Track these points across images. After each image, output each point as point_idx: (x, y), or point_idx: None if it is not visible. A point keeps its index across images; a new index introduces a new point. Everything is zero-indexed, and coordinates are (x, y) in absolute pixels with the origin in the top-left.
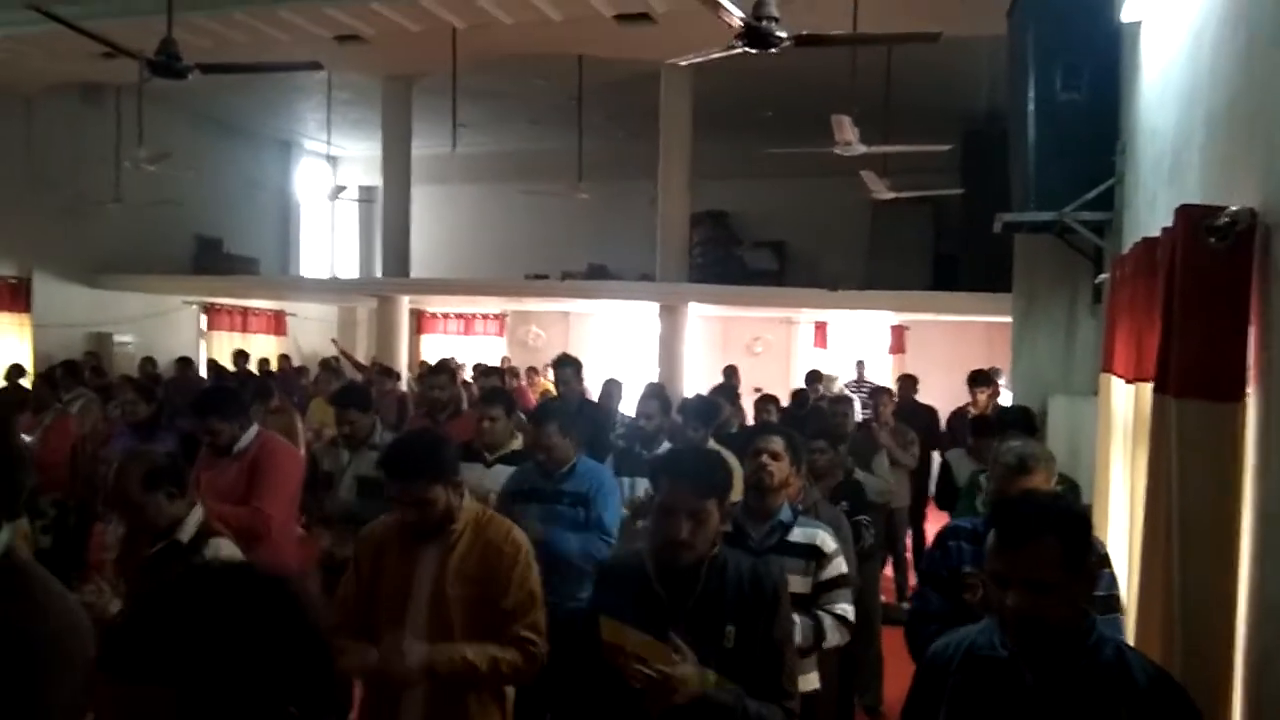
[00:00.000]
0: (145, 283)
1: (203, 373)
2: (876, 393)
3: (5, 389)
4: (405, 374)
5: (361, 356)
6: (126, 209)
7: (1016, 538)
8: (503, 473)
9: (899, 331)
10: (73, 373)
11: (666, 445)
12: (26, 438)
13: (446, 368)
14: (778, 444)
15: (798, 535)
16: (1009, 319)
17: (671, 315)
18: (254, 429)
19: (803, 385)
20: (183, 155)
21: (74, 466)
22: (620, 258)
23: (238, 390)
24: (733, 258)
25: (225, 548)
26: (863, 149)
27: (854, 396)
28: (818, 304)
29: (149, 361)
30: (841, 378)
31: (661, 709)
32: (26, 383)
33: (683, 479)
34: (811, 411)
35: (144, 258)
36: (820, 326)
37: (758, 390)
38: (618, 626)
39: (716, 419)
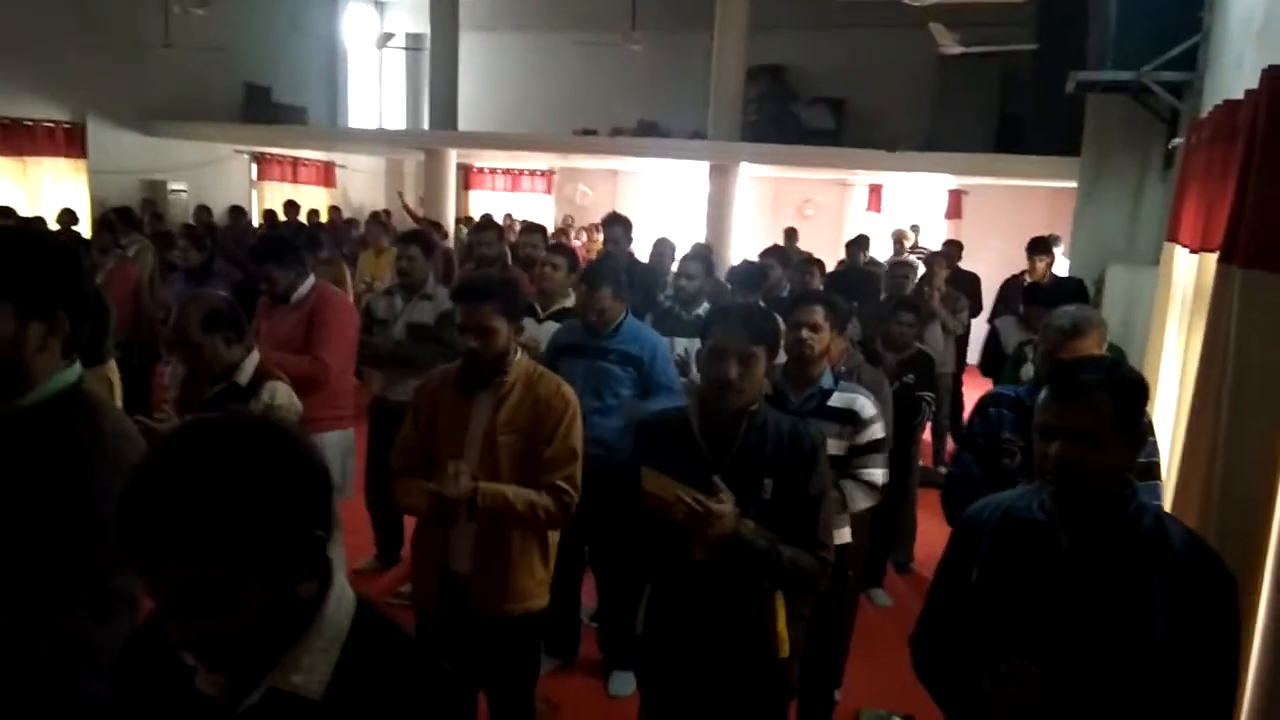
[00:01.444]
0: (196, 130)
1: (255, 222)
2: (931, 259)
3: (59, 233)
4: (452, 229)
5: (413, 206)
6: (177, 54)
7: (1070, 390)
8: (553, 329)
9: (956, 196)
10: (128, 219)
11: (706, 306)
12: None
13: (494, 224)
14: (818, 314)
15: (837, 401)
16: (1073, 184)
17: (722, 175)
18: (311, 279)
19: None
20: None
21: (136, 310)
22: (671, 114)
23: (294, 240)
24: (788, 115)
25: (281, 391)
26: None
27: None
28: (875, 165)
29: (204, 210)
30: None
31: (700, 543)
32: (79, 229)
33: (733, 323)
34: (855, 277)
35: (195, 105)
36: (875, 189)
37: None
38: (659, 477)
39: (763, 284)
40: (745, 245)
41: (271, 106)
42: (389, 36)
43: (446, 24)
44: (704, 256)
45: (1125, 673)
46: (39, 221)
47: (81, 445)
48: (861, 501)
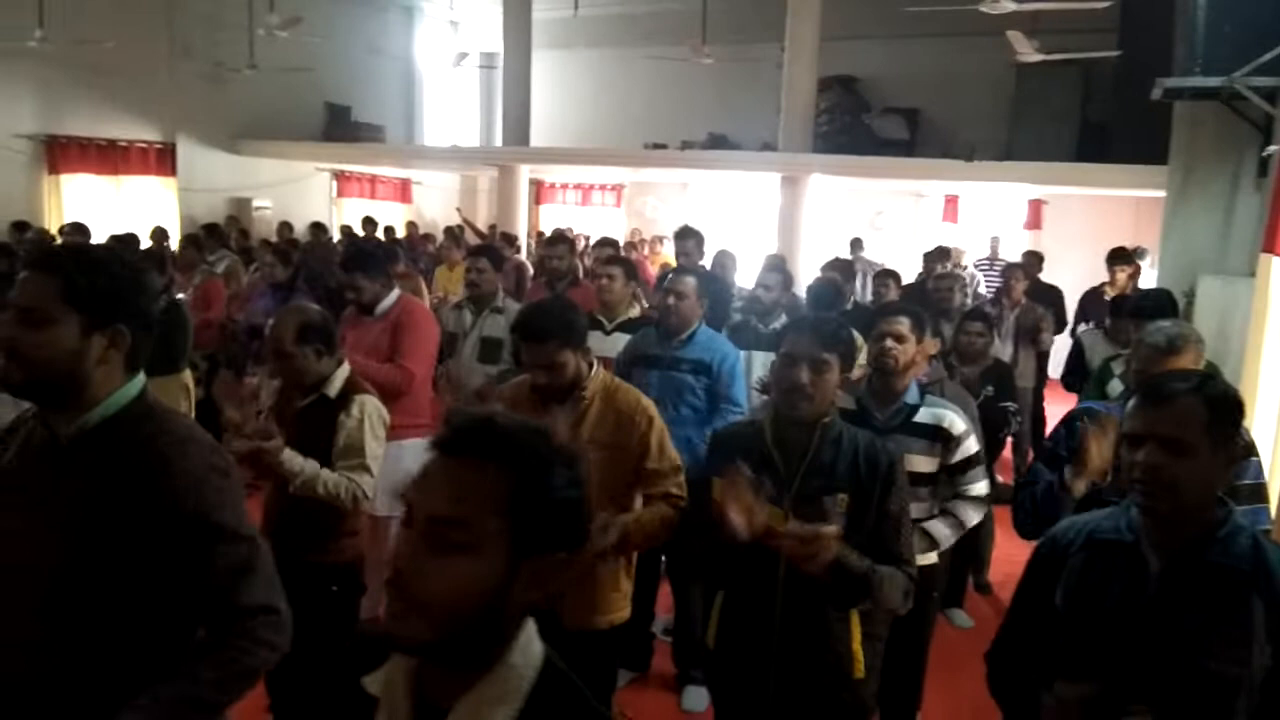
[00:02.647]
0: (280, 149)
1: (334, 238)
2: (1008, 270)
3: (150, 249)
4: (524, 243)
5: (482, 225)
6: (261, 76)
7: (1160, 394)
8: (621, 340)
9: (1036, 206)
10: (216, 235)
11: (784, 320)
12: (180, 296)
13: (565, 237)
14: (903, 325)
15: (924, 416)
16: (1160, 193)
17: (793, 187)
18: (395, 291)
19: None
20: (311, 22)
21: (222, 324)
22: (741, 126)
23: (380, 253)
24: (860, 126)
25: (369, 404)
26: (1011, 6)
27: (979, 274)
28: (952, 175)
29: (286, 226)
30: (971, 254)
31: (809, 568)
32: (170, 245)
33: (805, 330)
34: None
35: (278, 124)
36: (951, 200)
37: (879, 266)
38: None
39: (840, 305)
40: (816, 257)
41: (351, 125)
42: (464, 55)
43: (519, 42)
44: (781, 268)
45: (1221, 703)
46: (132, 238)
47: (178, 458)
48: (974, 517)
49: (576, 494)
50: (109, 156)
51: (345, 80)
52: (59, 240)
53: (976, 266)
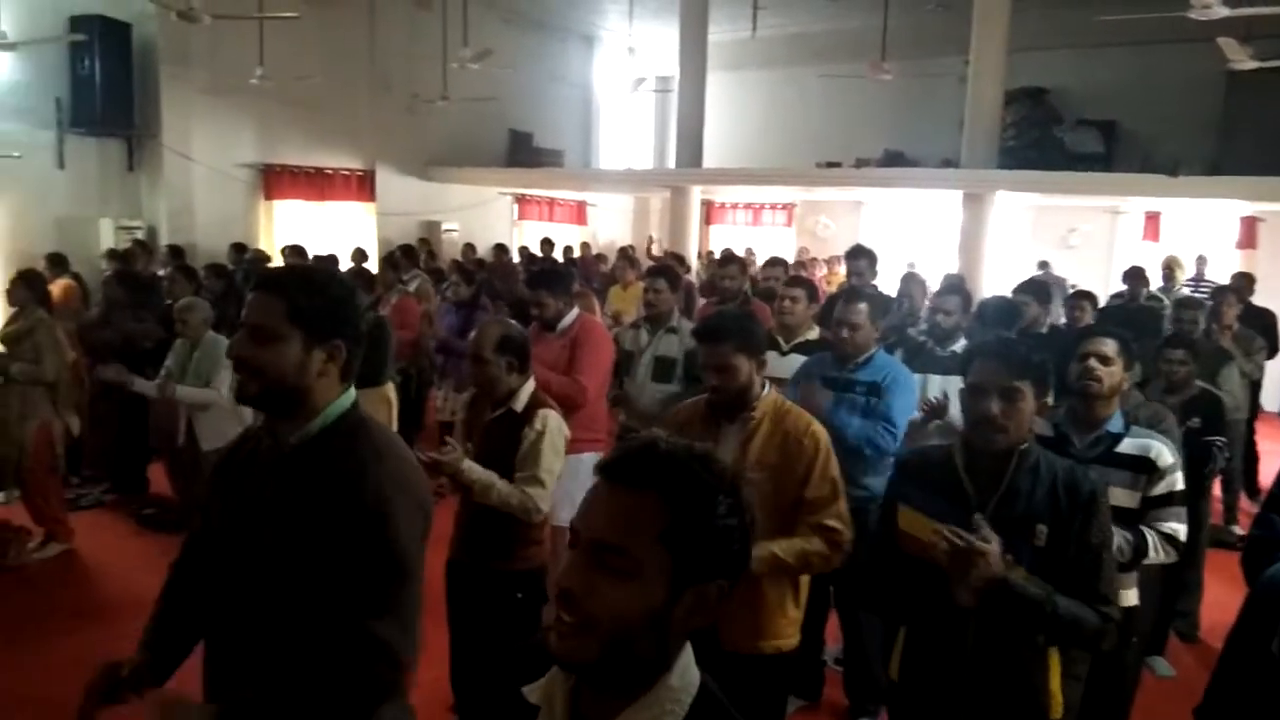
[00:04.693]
0: (466, 175)
1: (515, 258)
2: (1219, 293)
3: (359, 270)
4: (694, 264)
5: (655, 246)
6: (452, 106)
7: None
8: (796, 361)
9: (1250, 223)
10: (409, 256)
11: (963, 343)
12: (382, 313)
13: (736, 257)
14: (1109, 347)
15: (1128, 447)
16: None
17: (976, 204)
18: (576, 310)
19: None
20: (498, 53)
21: (416, 340)
22: (919, 143)
23: (565, 272)
24: (1051, 140)
25: (552, 419)
26: (1223, 11)
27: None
28: (1154, 191)
29: (470, 248)
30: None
31: (964, 585)
32: (368, 265)
33: (994, 357)
34: (1135, 312)
35: (466, 151)
36: (1152, 217)
37: (1072, 287)
38: (915, 516)
39: (1018, 322)
40: (1001, 278)
41: (533, 151)
42: (641, 81)
43: (694, 66)
44: (960, 289)
45: None
46: (332, 259)
47: (372, 469)
48: (1162, 556)
49: (737, 522)
50: (316, 183)
51: (527, 108)
52: (279, 262)
53: (1184, 286)
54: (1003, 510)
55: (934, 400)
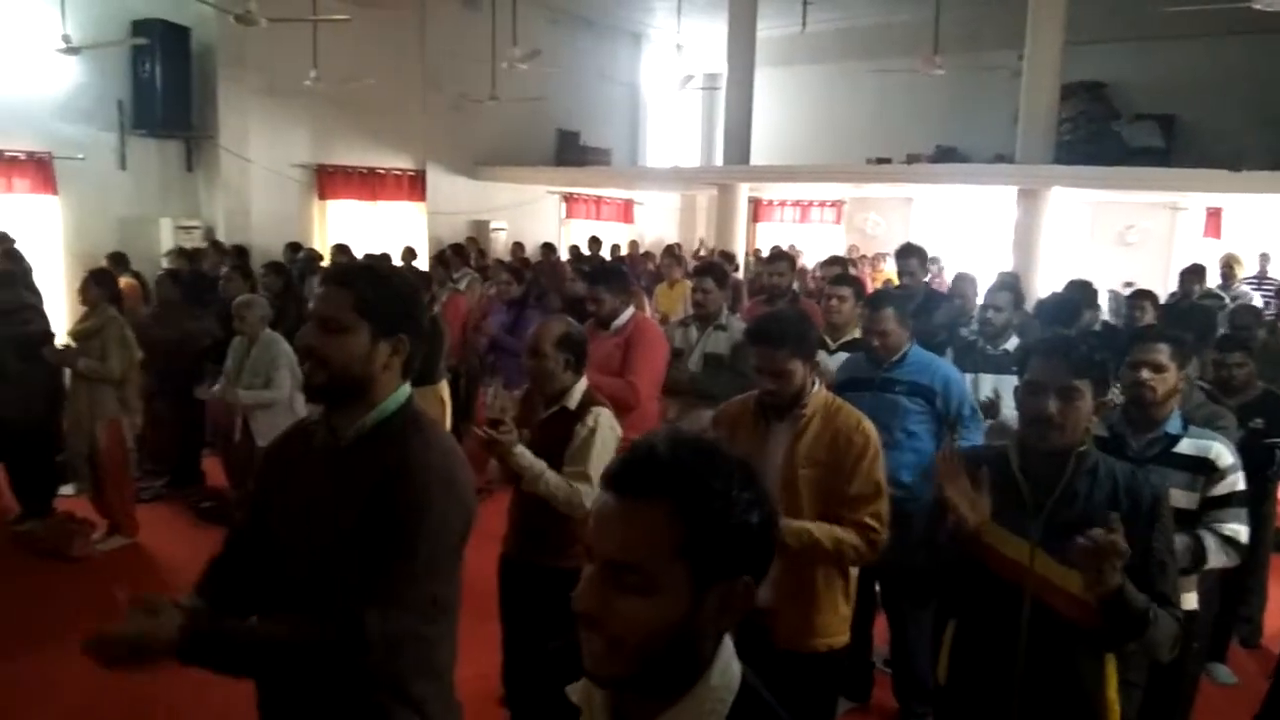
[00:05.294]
0: (514, 174)
1: (563, 257)
2: None
3: (418, 269)
4: (741, 261)
5: (704, 248)
6: (501, 106)
7: None
8: (844, 360)
9: None
10: (460, 254)
11: (1015, 341)
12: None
13: (786, 254)
14: (1162, 354)
15: (1186, 447)
16: None
17: (1031, 200)
18: (630, 310)
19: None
20: (547, 52)
21: (464, 337)
22: (971, 138)
23: (623, 270)
24: (1108, 134)
25: (605, 416)
26: None
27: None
28: (1215, 187)
29: (519, 246)
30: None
31: (1099, 591)
32: (417, 264)
33: (1052, 355)
34: (1186, 311)
35: (514, 151)
36: (1214, 213)
37: (1128, 285)
38: (1000, 532)
39: (1077, 320)
40: (1056, 275)
41: (580, 150)
42: (689, 78)
43: (743, 62)
44: (1012, 286)
45: None
46: (385, 258)
47: (419, 462)
48: (1221, 559)
49: (758, 516)
50: (369, 183)
51: (575, 107)
52: (328, 260)
53: (1244, 285)
54: (1059, 513)
55: (985, 399)
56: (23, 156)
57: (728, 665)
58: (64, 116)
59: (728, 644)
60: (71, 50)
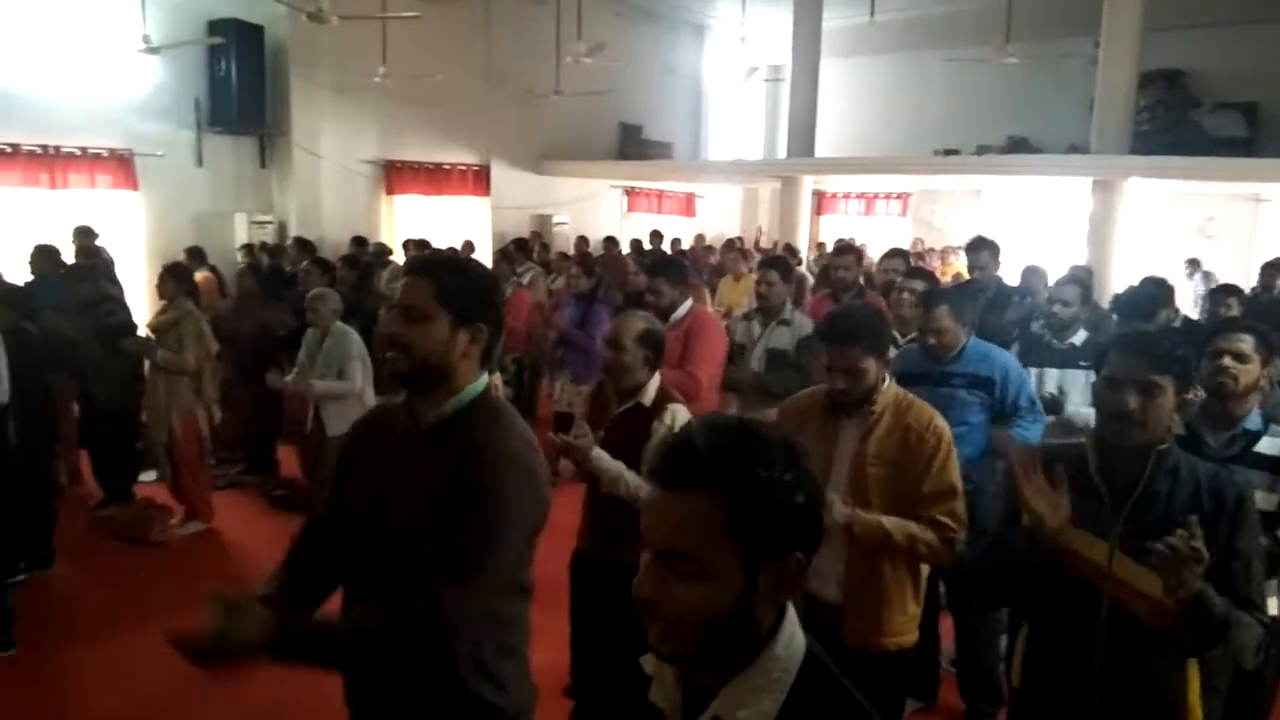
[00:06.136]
0: (577, 168)
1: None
2: None
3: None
4: (805, 255)
5: (764, 238)
6: (565, 101)
7: None
8: None
9: None
10: (523, 249)
11: (1083, 335)
12: None
13: (852, 247)
14: (1245, 343)
15: (1267, 446)
16: None
17: (1106, 192)
18: (689, 302)
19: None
20: (608, 46)
21: (529, 331)
22: (1045, 128)
23: (682, 262)
24: (1187, 124)
25: (681, 413)
26: None
27: None
28: None
29: (583, 240)
30: None
31: (1177, 593)
32: (477, 258)
33: (1134, 349)
34: (1273, 305)
35: (577, 145)
36: None
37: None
38: (1081, 534)
39: (1156, 314)
40: (1132, 269)
41: (642, 143)
42: (754, 70)
43: (808, 53)
44: (1081, 280)
45: None
46: (452, 252)
47: (499, 449)
48: None
49: (803, 496)
50: (434, 178)
51: (638, 100)
52: (400, 255)
53: None
54: (1139, 514)
55: (1049, 395)
56: (106, 154)
57: (791, 636)
58: (144, 115)
59: (791, 616)
60: (152, 50)
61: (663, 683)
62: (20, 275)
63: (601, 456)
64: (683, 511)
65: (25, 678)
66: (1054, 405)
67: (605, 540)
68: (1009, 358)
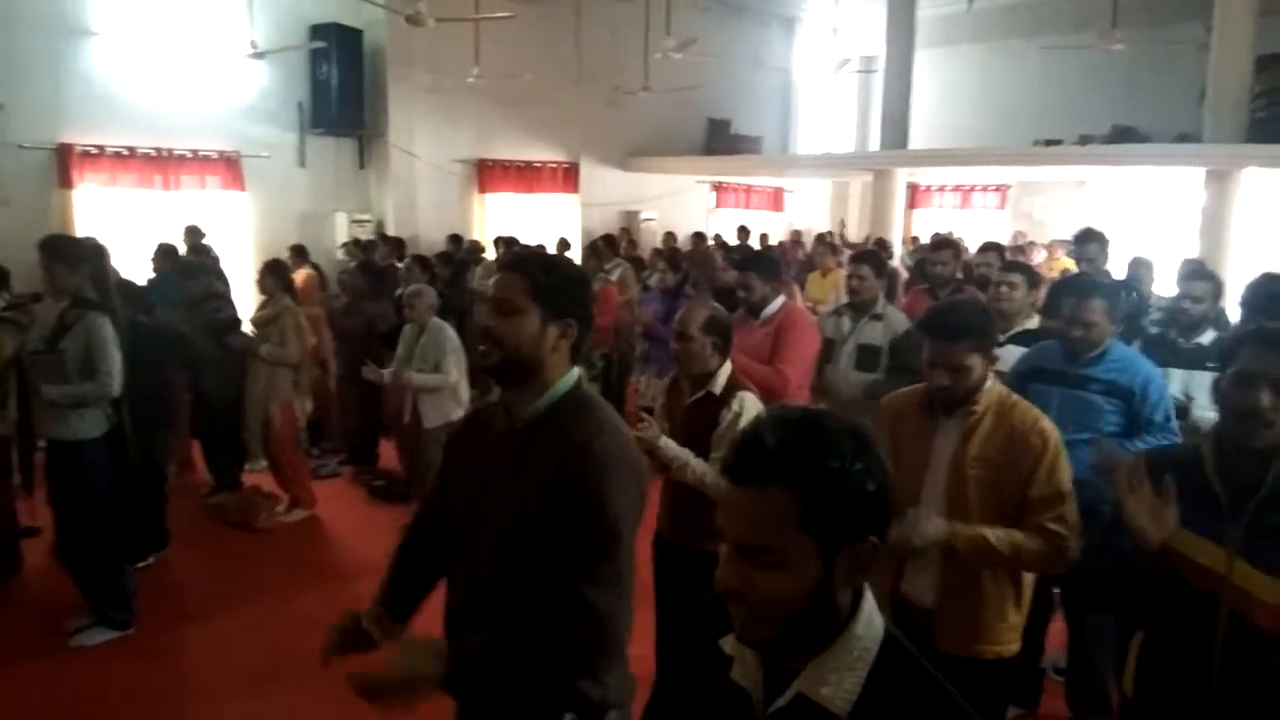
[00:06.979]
0: (665, 164)
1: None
2: None
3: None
4: (898, 249)
5: (854, 232)
6: (652, 97)
7: None
8: (1012, 354)
9: None
10: (611, 245)
11: (1211, 335)
12: None
13: (950, 242)
14: None
15: None
16: None
17: (1220, 183)
18: (781, 298)
19: None
20: (699, 40)
21: (616, 327)
22: (1153, 116)
23: (774, 258)
24: None
25: (749, 401)
26: None
27: None
28: None
29: (670, 236)
30: None
31: None
32: (570, 254)
33: (1271, 344)
34: None
35: (665, 141)
36: None
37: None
38: (1190, 537)
39: None
40: (1249, 263)
41: (730, 138)
42: (846, 61)
43: (902, 43)
44: (1211, 276)
45: None
46: (540, 249)
47: (600, 444)
48: None
49: (874, 484)
50: (525, 176)
51: (725, 94)
52: (492, 253)
53: None
54: (1264, 518)
55: (1178, 398)
56: (215, 156)
57: (870, 617)
58: (251, 118)
59: (869, 598)
60: (258, 55)
61: (744, 663)
62: (138, 273)
63: (669, 444)
64: (757, 507)
65: (143, 654)
66: (1180, 410)
67: (685, 527)
68: (1153, 370)
